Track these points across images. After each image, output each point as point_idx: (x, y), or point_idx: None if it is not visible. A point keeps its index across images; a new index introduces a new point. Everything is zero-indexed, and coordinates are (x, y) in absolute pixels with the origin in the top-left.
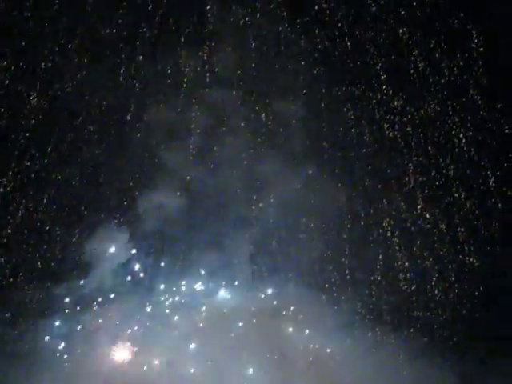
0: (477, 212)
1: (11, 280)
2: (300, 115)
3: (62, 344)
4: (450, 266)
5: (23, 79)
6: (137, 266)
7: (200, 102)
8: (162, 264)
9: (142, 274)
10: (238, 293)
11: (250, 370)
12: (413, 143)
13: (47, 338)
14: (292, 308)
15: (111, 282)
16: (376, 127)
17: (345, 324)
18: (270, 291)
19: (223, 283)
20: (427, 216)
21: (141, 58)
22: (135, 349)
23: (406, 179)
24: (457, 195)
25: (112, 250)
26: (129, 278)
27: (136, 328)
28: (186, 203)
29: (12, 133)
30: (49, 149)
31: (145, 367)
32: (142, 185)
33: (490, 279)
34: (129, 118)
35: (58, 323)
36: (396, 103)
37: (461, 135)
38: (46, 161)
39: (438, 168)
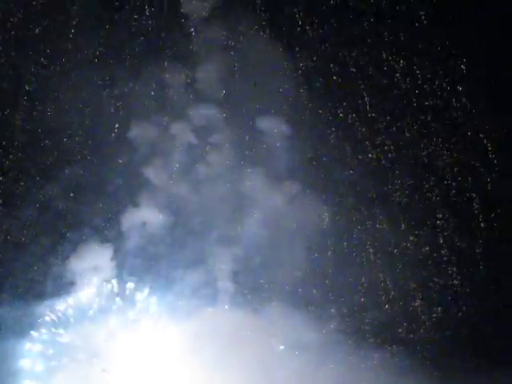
0: (460, 233)
1: None
2: (284, 133)
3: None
4: (433, 287)
5: (5, 99)
6: (121, 283)
7: (184, 119)
8: (146, 281)
9: (126, 291)
10: (221, 310)
11: None
12: (397, 164)
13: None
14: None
15: (95, 299)
16: (360, 147)
17: (328, 342)
18: (252, 309)
19: (206, 301)
20: (410, 237)
21: (124, 75)
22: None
23: (390, 199)
24: (440, 216)
25: (95, 267)
26: (113, 294)
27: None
28: (169, 220)
29: None
30: (31, 167)
31: None
32: (126, 202)
33: (473, 300)
34: (112, 135)
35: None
36: (380, 124)
37: (444, 156)
38: (28, 179)
39: (422, 189)
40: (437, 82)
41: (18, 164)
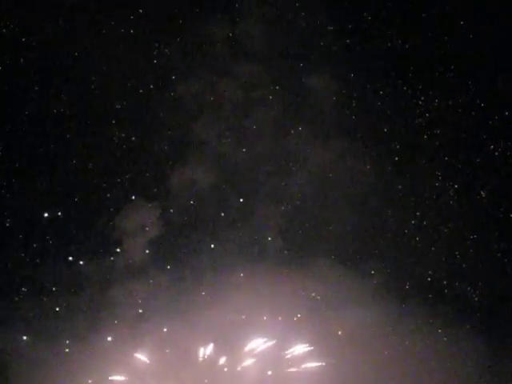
0: None
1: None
2: (331, 90)
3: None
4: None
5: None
6: (168, 243)
7: (229, 75)
8: (193, 240)
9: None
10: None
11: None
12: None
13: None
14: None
15: (141, 258)
16: (409, 102)
17: (371, 297)
18: (297, 265)
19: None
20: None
21: (167, 32)
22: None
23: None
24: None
25: (143, 225)
26: (159, 254)
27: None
28: (216, 178)
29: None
30: (79, 125)
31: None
32: (173, 160)
33: None
34: (157, 92)
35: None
36: None
37: None
38: (78, 137)
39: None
40: None
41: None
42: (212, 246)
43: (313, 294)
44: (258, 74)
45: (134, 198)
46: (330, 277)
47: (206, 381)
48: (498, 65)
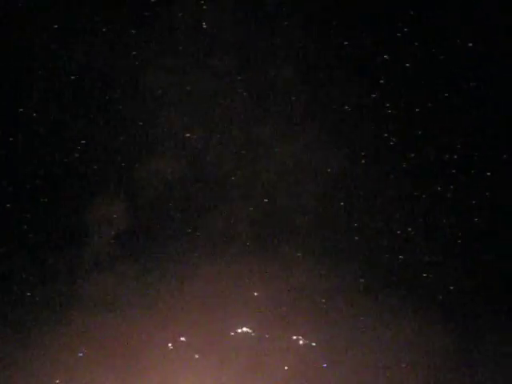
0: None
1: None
2: (300, 80)
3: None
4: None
5: None
6: (136, 235)
7: (196, 65)
8: (162, 232)
9: (141, 242)
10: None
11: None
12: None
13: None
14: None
15: (109, 250)
16: (379, 90)
17: (338, 286)
18: (265, 254)
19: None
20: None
21: (132, 21)
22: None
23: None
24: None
25: (110, 218)
26: (128, 246)
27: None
28: (184, 169)
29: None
30: (42, 115)
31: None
32: (140, 151)
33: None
34: (122, 83)
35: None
36: None
37: None
38: (43, 129)
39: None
40: None
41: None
42: (181, 236)
43: (282, 286)
44: (225, 64)
45: (100, 189)
46: (298, 267)
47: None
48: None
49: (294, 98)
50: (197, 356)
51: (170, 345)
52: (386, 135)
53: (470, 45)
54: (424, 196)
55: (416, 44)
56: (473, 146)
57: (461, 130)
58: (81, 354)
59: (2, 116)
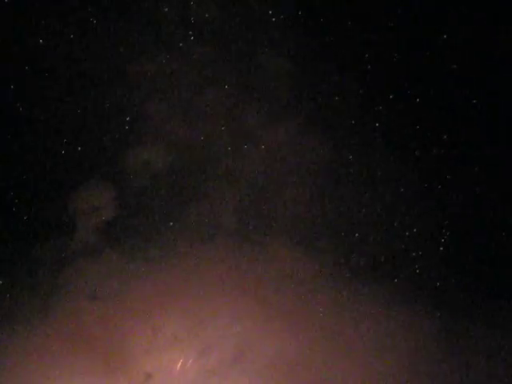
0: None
1: None
2: (285, 70)
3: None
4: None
5: None
6: (123, 224)
7: (181, 55)
8: (148, 221)
9: (128, 232)
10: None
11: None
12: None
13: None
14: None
15: (95, 239)
16: (364, 81)
17: (323, 276)
18: (250, 244)
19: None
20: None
21: (116, 11)
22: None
23: (391, 136)
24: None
25: (97, 207)
26: (114, 235)
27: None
28: (170, 158)
29: None
30: (29, 101)
31: None
32: (126, 140)
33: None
34: (108, 72)
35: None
36: None
37: None
38: (29, 114)
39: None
40: None
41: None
42: (167, 226)
43: (267, 275)
44: (210, 53)
45: (87, 178)
46: (283, 256)
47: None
48: None
49: (280, 89)
50: (181, 344)
51: (153, 333)
52: (372, 126)
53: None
54: (412, 186)
55: (404, 34)
56: (459, 135)
57: (448, 122)
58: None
59: None
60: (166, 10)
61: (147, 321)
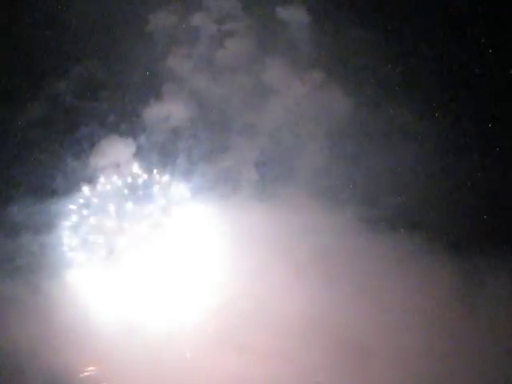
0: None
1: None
2: (305, 23)
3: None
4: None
5: None
6: (143, 179)
7: (202, 8)
8: (168, 176)
9: (148, 188)
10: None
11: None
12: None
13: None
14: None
15: (115, 195)
16: (383, 33)
17: (344, 227)
18: (272, 196)
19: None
20: (432, 124)
21: None
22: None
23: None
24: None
25: (116, 162)
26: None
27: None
28: (192, 112)
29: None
30: (39, 63)
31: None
32: (147, 95)
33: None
34: (129, 27)
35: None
36: None
37: None
38: (36, 75)
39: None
40: None
41: (24, 59)
42: (187, 180)
43: (287, 227)
44: (230, 7)
45: (108, 134)
46: (304, 209)
47: None
48: None
49: (300, 43)
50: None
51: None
52: (392, 80)
53: None
54: (430, 140)
55: None
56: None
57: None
58: None
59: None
60: None
61: (166, 273)
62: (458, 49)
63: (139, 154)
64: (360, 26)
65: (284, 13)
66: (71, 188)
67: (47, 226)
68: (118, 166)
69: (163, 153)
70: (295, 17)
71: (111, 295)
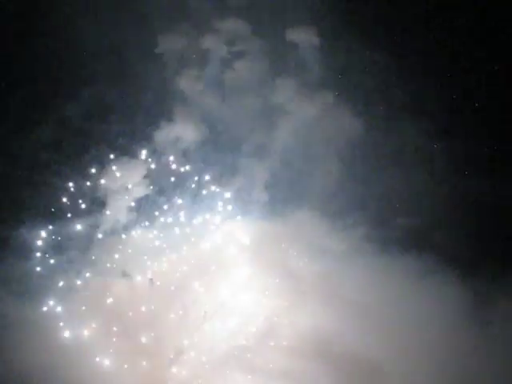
0: None
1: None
2: (314, 44)
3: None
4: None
5: None
6: (154, 202)
7: (211, 30)
8: (180, 200)
9: (158, 210)
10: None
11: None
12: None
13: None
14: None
15: (127, 218)
16: (393, 54)
17: (354, 249)
18: (282, 218)
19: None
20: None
21: None
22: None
23: (421, 109)
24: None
25: (128, 185)
26: (146, 213)
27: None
28: (202, 134)
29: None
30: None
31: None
32: (158, 117)
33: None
34: (139, 48)
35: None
36: None
37: None
38: (45, 97)
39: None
40: None
41: (35, 82)
42: (197, 203)
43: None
44: (240, 28)
45: (118, 156)
46: (313, 230)
47: None
48: None
49: (310, 64)
50: (212, 320)
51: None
52: (402, 101)
53: None
54: (438, 160)
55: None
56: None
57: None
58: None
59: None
60: None
61: (178, 298)
62: (471, 70)
63: (149, 176)
64: (371, 47)
65: (294, 34)
66: (81, 210)
67: (57, 248)
68: (127, 188)
69: (173, 175)
70: (305, 38)
71: None
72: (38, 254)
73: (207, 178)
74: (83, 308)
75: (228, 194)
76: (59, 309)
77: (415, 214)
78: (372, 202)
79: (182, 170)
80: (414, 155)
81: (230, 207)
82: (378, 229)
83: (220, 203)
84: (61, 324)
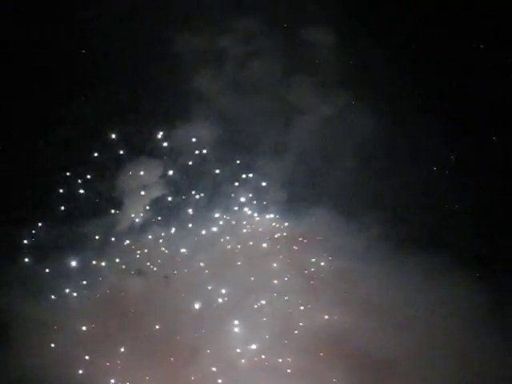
0: None
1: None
2: (331, 43)
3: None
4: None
5: None
6: (170, 202)
7: (226, 29)
8: (196, 199)
9: (174, 210)
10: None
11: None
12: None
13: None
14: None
15: (143, 218)
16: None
17: (369, 247)
18: (297, 217)
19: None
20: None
21: None
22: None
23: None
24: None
25: (145, 185)
26: (162, 213)
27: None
28: (218, 133)
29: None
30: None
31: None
32: (175, 116)
33: None
34: (154, 48)
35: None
36: None
37: None
38: (56, 98)
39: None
40: None
41: (50, 83)
42: (215, 202)
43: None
44: (256, 27)
45: (134, 156)
46: (330, 228)
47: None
48: None
49: (327, 63)
50: (228, 319)
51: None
52: (420, 101)
53: None
54: (455, 159)
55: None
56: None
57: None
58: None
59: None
60: None
61: (193, 297)
62: (487, 72)
63: (166, 176)
64: (387, 46)
65: (310, 33)
66: (97, 210)
67: (73, 248)
68: (144, 187)
69: (190, 174)
70: (321, 37)
71: None
72: (54, 254)
73: (224, 177)
74: (99, 307)
75: (245, 194)
76: (75, 307)
77: (431, 212)
78: (388, 201)
79: (199, 169)
80: (429, 154)
81: (246, 207)
82: (394, 227)
83: (237, 202)
84: (75, 323)
